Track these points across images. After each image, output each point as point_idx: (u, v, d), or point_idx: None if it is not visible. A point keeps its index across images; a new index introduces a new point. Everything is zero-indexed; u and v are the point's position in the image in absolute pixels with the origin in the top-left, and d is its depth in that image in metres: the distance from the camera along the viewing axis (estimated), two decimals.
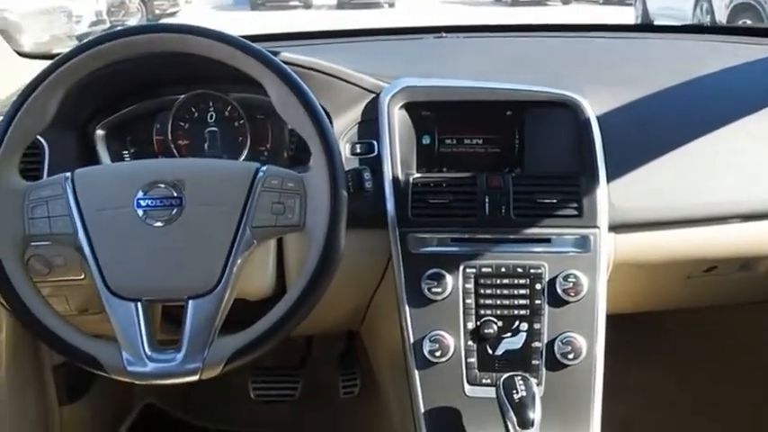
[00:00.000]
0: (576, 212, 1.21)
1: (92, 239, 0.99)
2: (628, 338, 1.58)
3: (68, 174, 1.02)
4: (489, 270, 1.20)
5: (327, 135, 1.01)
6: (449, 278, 1.19)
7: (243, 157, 1.35)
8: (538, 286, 1.19)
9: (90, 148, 1.33)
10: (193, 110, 1.36)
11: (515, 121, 1.31)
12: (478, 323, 1.18)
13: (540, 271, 1.19)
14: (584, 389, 1.16)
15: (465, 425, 1.15)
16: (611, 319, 1.27)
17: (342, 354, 1.90)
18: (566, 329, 1.17)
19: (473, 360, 1.18)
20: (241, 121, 1.36)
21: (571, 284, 1.18)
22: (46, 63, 1.03)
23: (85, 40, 1.02)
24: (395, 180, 1.24)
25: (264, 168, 1.02)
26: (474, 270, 1.20)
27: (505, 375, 1.08)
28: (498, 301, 1.19)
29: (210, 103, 1.36)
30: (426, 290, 1.19)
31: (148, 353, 0.98)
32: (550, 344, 1.17)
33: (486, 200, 1.22)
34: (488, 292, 1.20)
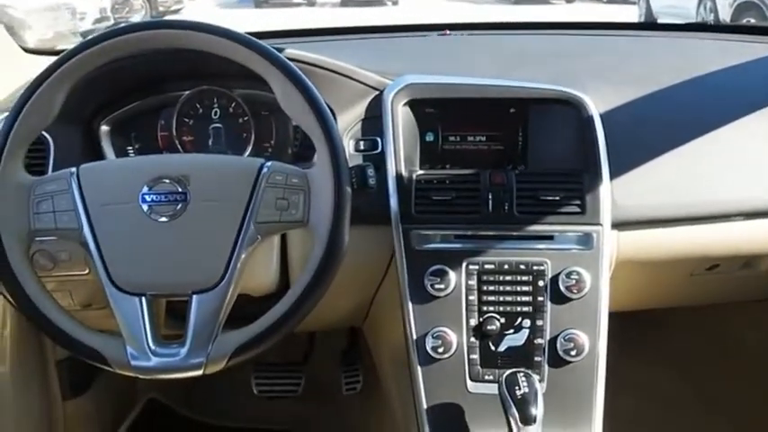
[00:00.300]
0: (579, 210, 1.21)
1: (97, 234, 1.00)
2: (630, 336, 1.59)
3: (74, 169, 1.03)
4: (492, 267, 1.20)
5: (331, 131, 1.01)
6: (452, 275, 1.19)
7: (247, 154, 1.35)
8: (540, 283, 1.19)
9: (95, 143, 1.33)
10: (198, 106, 1.36)
11: (519, 118, 1.32)
12: (481, 319, 1.19)
13: (542, 268, 1.20)
14: (587, 385, 1.17)
15: (467, 421, 1.16)
16: (614, 317, 1.27)
17: (344, 350, 1.90)
18: (568, 326, 1.18)
19: (476, 356, 1.18)
20: (245, 118, 1.36)
21: (574, 281, 1.18)
22: (51, 59, 1.04)
23: (91, 37, 1.02)
24: (398, 177, 1.24)
25: (269, 164, 1.03)
26: (477, 267, 1.20)
27: (508, 372, 1.08)
28: (501, 298, 1.20)
29: (215, 100, 1.37)
30: (429, 286, 1.19)
31: (152, 347, 0.98)
32: (553, 340, 1.17)
33: (490, 197, 1.22)
34: (491, 288, 1.20)
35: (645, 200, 1.25)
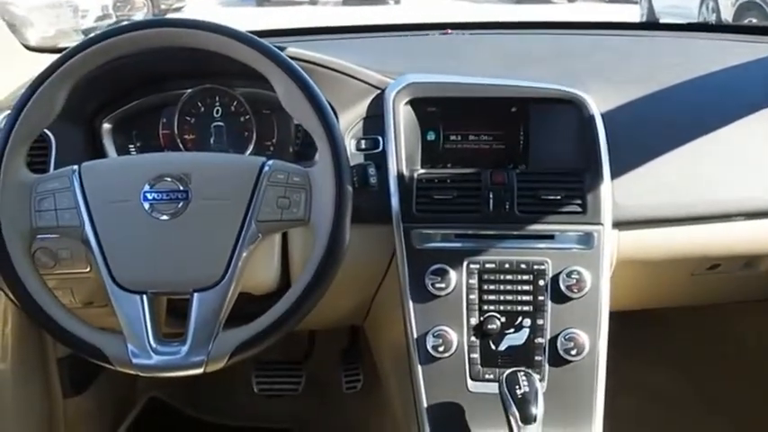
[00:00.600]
0: (579, 209, 1.21)
1: (98, 232, 1.00)
2: (631, 335, 1.59)
3: (75, 167, 1.03)
4: (493, 266, 1.20)
5: (333, 130, 1.01)
6: (452, 274, 1.19)
7: (249, 152, 1.36)
8: (541, 282, 1.19)
9: (96, 141, 1.34)
10: (200, 104, 1.37)
11: (520, 117, 1.32)
12: (482, 319, 1.19)
13: (543, 267, 1.20)
14: (587, 385, 1.17)
15: (468, 420, 1.16)
16: (615, 316, 1.27)
17: (345, 349, 1.90)
18: (569, 326, 1.18)
19: (476, 356, 1.18)
20: (247, 116, 1.36)
21: (574, 281, 1.18)
22: (53, 57, 1.04)
23: (93, 35, 1.02)
24: (399, 176, 1.24)
25: (270, 163, 1.03)
26: (478, 266, 1.20)
27: (508, 371, 1.08)
28: (501, 297, 1.20)
29: (217, 98, 1.37)
30: (430, 285, 1.19)
31: (153, 345, 0.99)
32: (553, 340, 1.18)
33: (491, 196, 1.22)
34: (492, 287, 1.20)
35: (645, 199, 1.25)
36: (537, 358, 1.18)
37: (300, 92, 1.01)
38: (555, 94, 1.29)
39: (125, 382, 1.85)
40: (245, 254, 1.01)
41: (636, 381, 1.78)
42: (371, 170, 1.12)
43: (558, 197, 1.22)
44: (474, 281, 1.20)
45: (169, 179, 1.01)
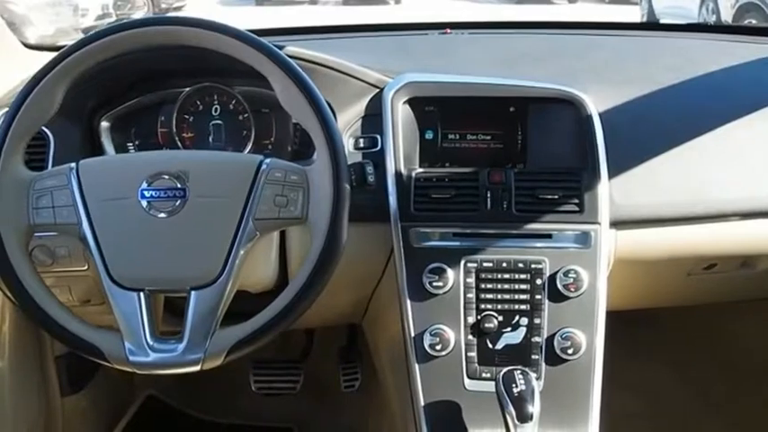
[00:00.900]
0: (577, 208, 1.21)
1: (96, 230, 1.00)
2: (628, 335, 1.59)
3: (73, 164, 1.03)
4: (490, 265, 1.20)
5: (331, 128, 1.01)
6: (450, 272, 1.20)
7: (247, 151, 1.36)
8: (538, 281, 1.20)
9: (95, 139, 1.34)
10: (198, 103, 1.37)
11: (518, 117, 1.32)
12: (479, 317, 1.19)
13: (540, 266, 1.20)
14: (584, 384, 1.17)
15: (464, 419, 1.16)
16: (612, 316, 1.27)
17: (343, 347, 1.91)
18: (565, 325, 1.18)
19: (473, 354, 1.19)
20: (245, 115, 1.36)
21: (571, 280, 1.18)
22: (51, 55, 1.04)
23: (91, 33, 1.02)
24: (397, 174, 1.24)
25: (268, 161, 1.03)
26: (475, 264, 1.21)
27: (505, 369, 1.08)
28: (499, 296, 1.20)
29: (215, 97, 1.37)
30: (428, 284, 1.19)
31: (150, 343, 0.99)
32: (550, 339, 1.18)
33: (488, 195, 1.23)
34: (489, 286, 1.20)
35: (643, 199, 1.25)
36: (534, 357, 1.18)
37: (298, 90, 1.01)
38: (553, 93, 1.29)
39: (123, 381, 1.85)
40: (242, 252, 1.01)
41: (632, 380, 1.78)
42: (369, 169, 1.12)
43: (556, 196, 1.22)
44: (471, 279, 1.20)
45: (167, 177, 1.01)
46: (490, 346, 1.19)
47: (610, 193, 1.23)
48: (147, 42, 1.03)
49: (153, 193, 1.00)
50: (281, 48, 1.08)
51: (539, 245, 1.21)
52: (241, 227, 1.00)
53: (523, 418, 1.02)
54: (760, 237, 1.32)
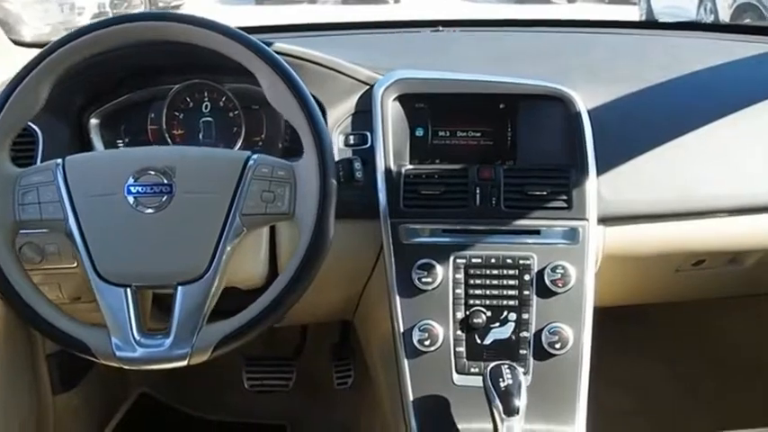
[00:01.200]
0: (565, 205, 1.22)
1: (82, 225, 1.00)
2: (617, 331, 1.60)
3: (59, 160, 1.03)
4: (479, 261, 1.21)
5: (317, 124, 1.02)
6: (439, 268, 1.20)
7: (237, 147, 1.36)
8: (526, 277, 1.20)
9: (84, 136, 1.34)
10: (188, 99, 1.37)
11: (508, 114, 1.32)
12: (467, 313, 1.20)
13: (528, 262, 1.20)
14: (571, 379, 1.18)
15: (453, 413, 1.17)
16: (601, 312, 1.28)
17: (336, 345, 1.91)
18: (553, 320, 1.19)
19: (461, 349, 1.19)
20: (236, 112, 1.36)
21: (559, 275, 1.19)
22: None
23: (75, 28, 1.03)
24: (387, 171, 1.25)
25: (255, 157, 1.03)
26: (464, 260, 1.21)
27: (492, 364, 1.09)
28: (487, 292, 1.21)
29: (205, 93, 1.37)
30: (417, 280, 1.20)
31: (137, 338, 0.99)
32: (538, 334, 1.18)
33: (477, 191, 1.23)
34: (478, 282, 1.21)
35: (631, 195, 1.26)
36: (522, 352, 1.19)
37: (285, 86, 1.02)
38: (542, 90, 1.29)
39: (115, 379, 1.85)
40: (229, 247, 1.01)
41: (621, 376, 1.79)
42: (357, 164, 1.12)
43: (544, 193, 1.23)
44: (460, 275, 1.21)
45: (153, 173, 1.01)
46: (478, 341, 1.19)
47: (598, 189, 1.23)
48: (134, 38, 1.03)
49: (139, 188, 1.00)
50: (268, 44, 1.08)
51: (527, 241, 1.22)
52: (228, 222, 1.01)
53: (510, 411, 1.02)
54: (747, 233, 1.32)
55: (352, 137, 1.28)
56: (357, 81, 1.32)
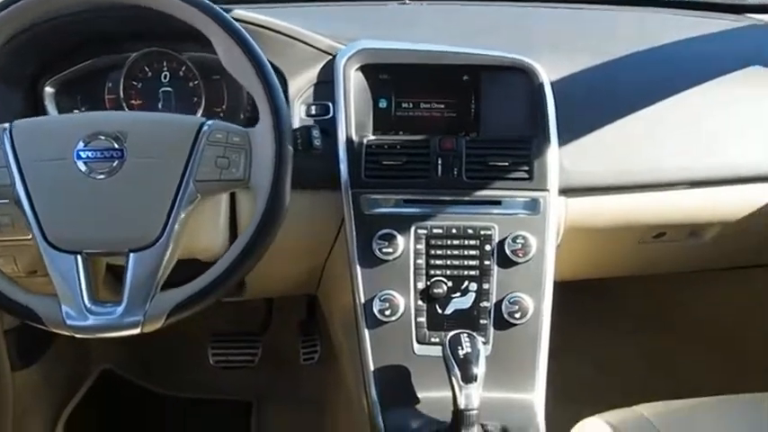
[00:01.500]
0: (526, 175, 1.22)
1: (30, 191, 0.98)
2: (580, 304, 1.61)
3: (6, 125, 1.01)
4: (440, 231, 1.21)
5: (272, 88, 1.00)
6: (400, 239, 1.20)
7: None
8: (487, 247, 1.20)
9: (39, 106, 1.31)
10: (146, 68, 1.34)
11: (472, 85, 1.31)
12: (428, 283, 1.19)
13: (490, 232, 1.20)
14: (531, 348, 1.18)
15: (413, 383, 1.17)
16: (563, 286, 1.29)
17: (302, 320, 1.90)
18: (513, 290, 1.19)
19: (422, 319, 1.19)
20: (196, 82, 1.34)
21: (520, 246, 1.19)
22: None
23: None
24: (349, 141, 1.24)
25: (210, 123, 1.02)
26: (425, 231, 1.21)
27: (452, 333, 1.09)
28: (448, 262, 1.20)
29: (164, 63, 1.34)
30: (377, 250, 1.19)
31: (89, 306, 0.97)
32: (498, 304, 1.19)
33: (439, 162, 1.23)
34: (439, 252, 1.21)
35: (592, 167, 1.26)
36: (482, 322, 1.19)
37: (240, 50, 1.00)
38: (505, 61, 1.29)
39: (76, 355, 1.83)
40: (183, 214, 1.00)
41: (581, 347, 1.80)
42: (315, 132, 1.11)
43: (506, 164, 1.22)
44: (421, 246, 1.20)
45: (103, 137, 0.99)
46: (439, 311, 1.19)
47: (560, 160, 1.23)
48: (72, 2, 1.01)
49: (89, 153, 0.98)
50: (227, 11, 1.06)
51: (488, 211, 1.21)
52: (181, 188, 0.99)
53: (468, 379, 1.02)
54: (708, 206, 1.33)
55: (313, 107, 1.27)
56: (318, 50, 1.30)
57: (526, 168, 1.22)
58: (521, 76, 1.28)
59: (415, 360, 1.18)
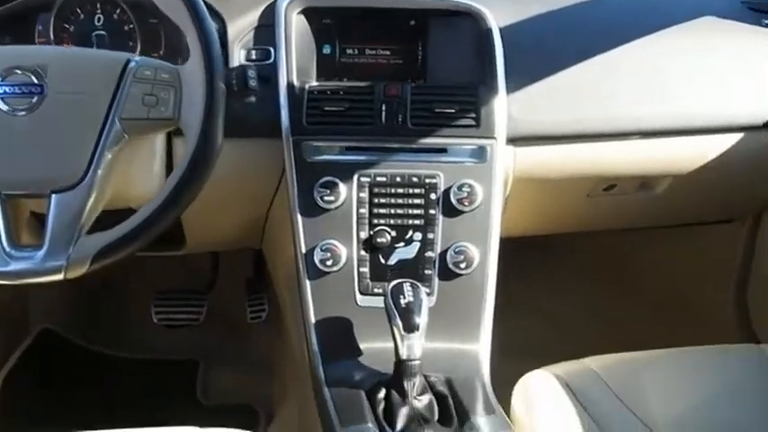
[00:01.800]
0: (473, 123, 1.19)
1: None
2: (526, 260, 1.60)
3: None
4: (384, 179, 1.18)
5: (203, 22, 0.95)
6: (342, 187, 1.16)
7: None
8: (432, 196, 1.17)
9: None
10: (78, 11, 1.27)
11: (419, 31, 1.28)
12: (372, 232, 1.16)
13: (435, 181, 1.17)
14: (476, 298, 1.16)
15: (356, 334, 1.14)
16: (512, 242, 1.27)
17: (250, 278, 1.86)
18: (459, 239, 1.16)
19: (365, 270, 1.16)
20: (131, 26, 1.28)
21: (465, 194, 1.16)
22: None
23: None
24: (290, 87, 1.19)
25: (137, 59, 0.97)
26: (368, 179, 1.17)
27: (394, 282, 1.06)
28: (392, 211, 1.17)
29: (97, 5, 1.28)
30: (319, 198, 1.16)
31: (8, 251, 0.92)
32: (443, 253, 1.16)
33: (383, 108, 1.19)
34: (383, 201, 1.17)
35: (541, 115, 1.24)
36: (427, 272, 1.16)
37: None
38: (452, 6, 1.25)
39: (14, 314, 1.77)
40: (109, 155, 0.95)
41: (531, 305, 1.80)
42: (251, 72, 1.06)
43: (452, 110, 1.19)
44: (365, 194, 1.17)
45: (20, 71, 0.93)
46: (383, 261, 1.17)
47: (508, 108, 1.20)
48: None
49: (6, 88, 0.92)
50: None
51: (433, 159, 1.19)
52: (106, 127, 0.94)
53: (410, 328, 1.00)
54: (659, 157, 1.32)
55: (254, 52, 1.22)
56: None
57: (473, 115, 1.19)
58: (469, 21, 1.25)
59: (357, 311, 1.15)
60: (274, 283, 1.52)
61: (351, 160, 1.18)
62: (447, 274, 1.16)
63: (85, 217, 0.93)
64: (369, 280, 1.16)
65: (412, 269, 1.16)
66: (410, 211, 1.17)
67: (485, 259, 1.16)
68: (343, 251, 1.15)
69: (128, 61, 0.96)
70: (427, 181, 1.17)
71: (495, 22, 1.24)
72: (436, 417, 1.03)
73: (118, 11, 1.27)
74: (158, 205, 0.94)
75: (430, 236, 1.16)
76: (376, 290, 1.15)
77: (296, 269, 1.18)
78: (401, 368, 1.01)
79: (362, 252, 1.16)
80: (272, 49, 1.22)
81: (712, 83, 1.30)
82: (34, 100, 0.93)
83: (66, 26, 1.27)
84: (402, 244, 1.17)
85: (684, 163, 1.34)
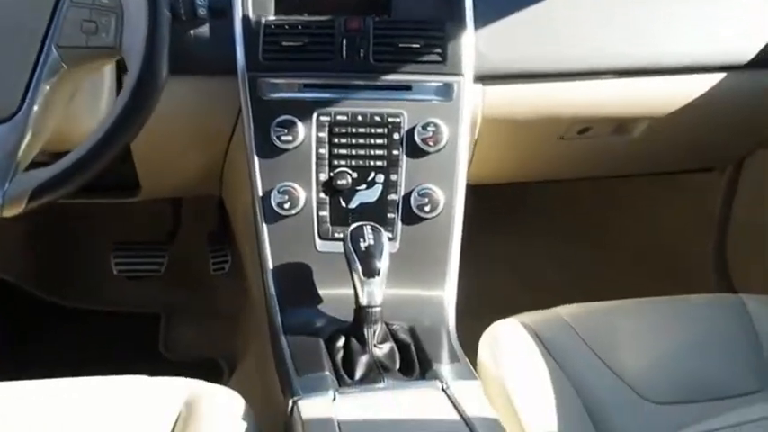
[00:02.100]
0: (439, 59, 1.13)
1: None
2: (497, 211, 1.55)
3: None
4: (345, 118, 1.11)
5: None
6: (300, 126, 1.10)
7: None
8: (396, 136, 1.11)
9: None
10: None
11: None
12: (332, 174, 1.11)
13: (398, 120, 1.11)
14: (441, 242, 1.11)
15: (315, 281, 1.09)
16: (480, 190, 1.22)
17: (212, 231, 1.80)
18: (423, 181, 1.11)
19: (325, 213, 1.11)
20: None
21: (431, 133, 1.10)
22: None
23: None
24: (245, 20, 1.12)
25: None
26: (328, 118, 1.11)
27: (354, 225, 1.01)
28: (354, 152, 1.12)
29: None
30: (276, 138, 1.10)
31: None
32: (407, 196, 1.11)
33: (344, 43, 1.12)
34: (343, 141, 1.12)
35: (512, 52, 1.17)
36: (390, 216, 1.11)
37: None
38: None
39: None
40: (47, 87, 0.87)
41: (498, 255, 1.77)
42: (201, 0, 0.99)
43: (417, 45, 1.13)
44: (324, 134, 1.11)
45: None
46: (343, 204, 1.11)
47: (476, 44, 1.14)
48: None
49: None
50: None
51: (397, 97, 1.12)
52: (42, 55, 0.86)
53: (370, 273, 0.95)
54: (636, 97, 1.27)
55: None
56: None
57: (439, 51, 1.13)
58: None
59: (317, 257, 1.10)
60: (234, 231, 1.46)
61: (310, 98, 1.12)
62: (411, 217, 1.11)
63: (22, 154, 0.87)
64: (329, 224, 1.11)
65: (374, 213, 1.11)
66: (372, 152, 1.11)
67: (451, 202, 1.11)
68: (301, 194, 1.10)
69: None
70: (390, 120, 1.11)
71: None
72: (397, 365, 0.99)
73: None
74: (100, 137, 0.88)
75: (393, 178, 1.11)
76: (336, 234, 1.10)
77: (253, 214, 1.12)
78: (361, 315, 0.97)
79: (322, 195, 1.11)
80: None
81: (692, 20, 1.23)
82: None
83: None
84: (364, 186, 1.11)
85: (662, 105, 1.28)
